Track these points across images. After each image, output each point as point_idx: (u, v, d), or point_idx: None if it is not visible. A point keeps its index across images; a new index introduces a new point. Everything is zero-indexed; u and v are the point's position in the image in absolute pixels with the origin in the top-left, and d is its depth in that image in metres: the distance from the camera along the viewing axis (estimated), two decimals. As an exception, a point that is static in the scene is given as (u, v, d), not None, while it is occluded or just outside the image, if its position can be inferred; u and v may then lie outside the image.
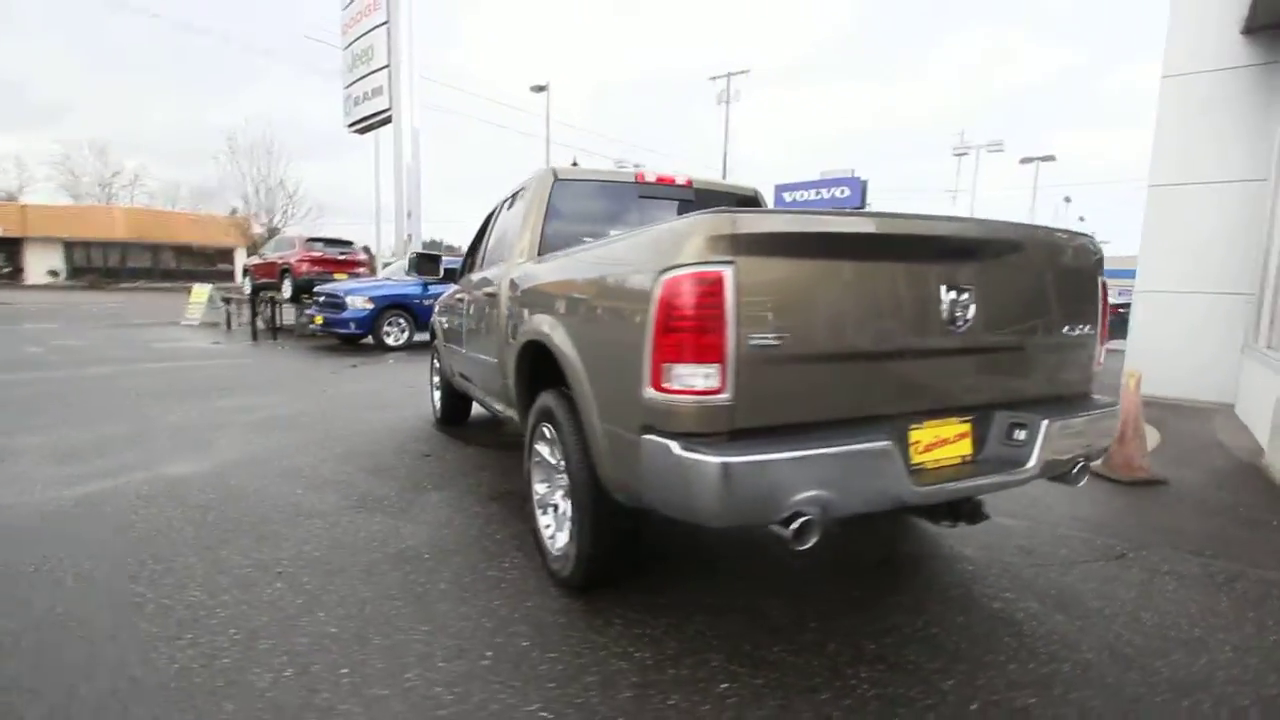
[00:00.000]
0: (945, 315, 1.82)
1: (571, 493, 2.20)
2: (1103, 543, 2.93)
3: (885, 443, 1.63)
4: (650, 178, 3.42)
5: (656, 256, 1.65)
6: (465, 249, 4.74)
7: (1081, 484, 2.07)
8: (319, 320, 11.32)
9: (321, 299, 11.39)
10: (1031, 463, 1.91)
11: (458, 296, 4.35)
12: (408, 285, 11.45)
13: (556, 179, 3.19)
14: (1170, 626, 2.18)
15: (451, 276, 4.74)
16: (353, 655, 1.96)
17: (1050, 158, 37.78)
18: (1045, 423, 1.93)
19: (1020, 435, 1.96)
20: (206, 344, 11.69)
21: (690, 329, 1.55)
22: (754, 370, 1.57)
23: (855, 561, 2.73)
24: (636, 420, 1.73)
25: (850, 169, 35.28)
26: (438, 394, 5.30)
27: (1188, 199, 6.44)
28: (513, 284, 2.98)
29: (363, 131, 18.60)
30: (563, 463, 2.28)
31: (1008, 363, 2.03)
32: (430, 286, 11.32)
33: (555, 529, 2.47)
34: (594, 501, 2.09)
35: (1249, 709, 1.75)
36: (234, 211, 35.46)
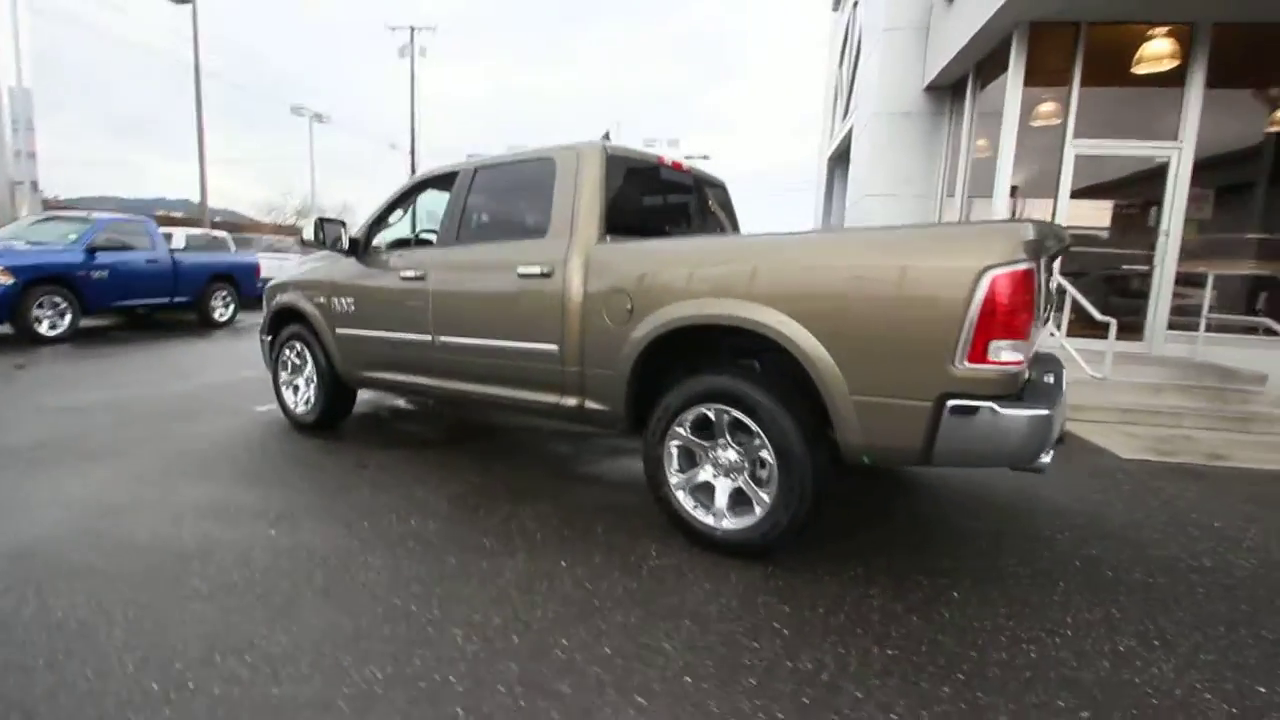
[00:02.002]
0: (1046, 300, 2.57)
1: (780, 460, 2.36)
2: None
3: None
4: (668, 161, 3.51)
5: (973, 255, 1.98)
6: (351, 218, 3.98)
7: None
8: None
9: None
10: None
11: (379, 277, 3.71)
12: (62, 251, 8.44)
13: (607, 155, 3.06)
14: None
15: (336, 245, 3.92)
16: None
17: (705, 157, 44.19)
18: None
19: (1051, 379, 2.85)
20: None
21: (1012, 312, 1.95)
22: (1030, 345, 2.06)
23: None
24: (929, 390, 2.06)
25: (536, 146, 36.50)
26: (299, 391, 4.36)
27: (878, 207, 8.83)
28: (596, 268, 2.82)
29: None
30: (760, 439, 2.41)
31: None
32: (98, 254, 8.64)
33: (720, 504, 2.57)
34: (811, 467, 2.33)
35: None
36: None
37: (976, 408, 2.01)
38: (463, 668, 1.84)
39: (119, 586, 2.23)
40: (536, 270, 3.00)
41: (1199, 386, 5.20)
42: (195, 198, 19.88)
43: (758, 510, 2.48)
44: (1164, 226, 6.18)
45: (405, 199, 3.95)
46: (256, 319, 11.78)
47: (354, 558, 2.50)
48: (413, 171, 34.27)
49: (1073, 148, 6.25)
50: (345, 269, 3.99)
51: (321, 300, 4.10)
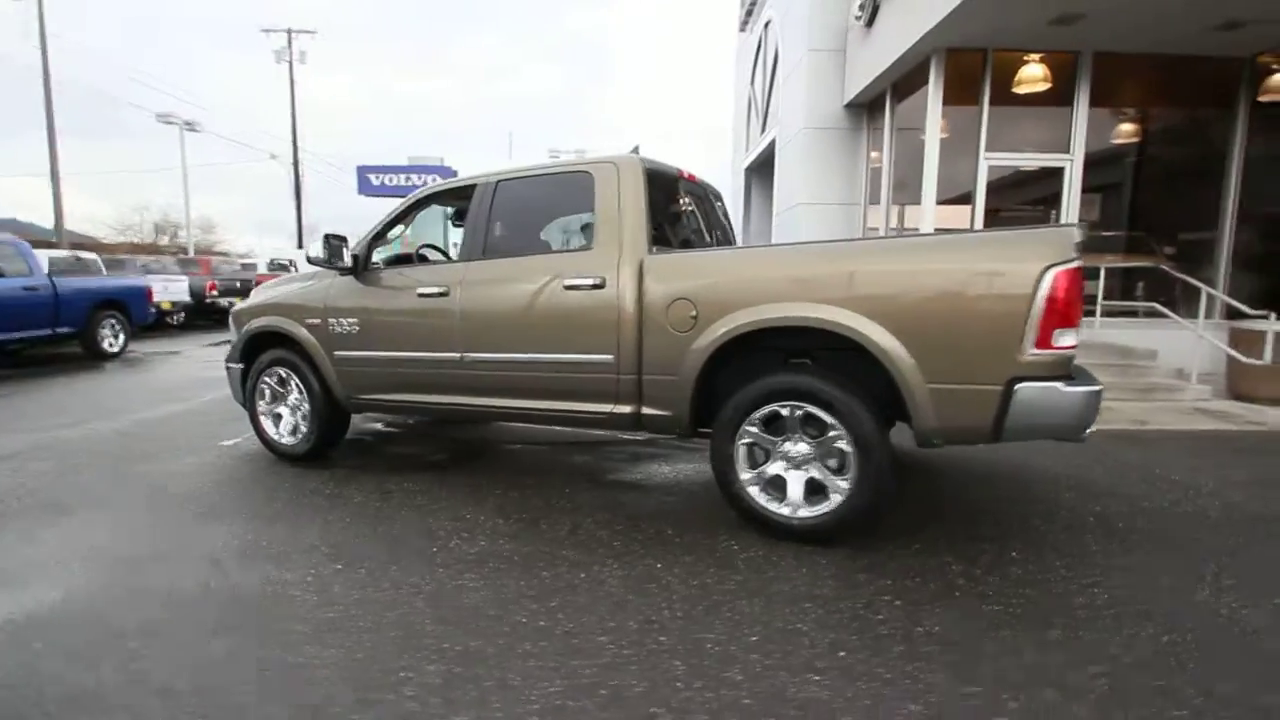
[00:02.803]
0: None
1: (859, 450, 2.56)
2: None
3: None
4: (685, 173, 3.65)
5: (1036, 255, 2.28)
6: (362, 238, 3.81)
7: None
8: None
9: None
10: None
11: (387, 295, 3.59)
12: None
13: (646, 168, 3.16)
14: (1053, 464, 3.90)
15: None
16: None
17: (583, 153, 44.50)
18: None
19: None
20: None
21: (1069, 303, 2.26)
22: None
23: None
24: (999, 375, 2.34)
25: (440, 157, 35.42)
26: (282, 420, 4.09)
27: (807, 215, 9.45)
28: (653, 277, 2.91)
29: None
30: (836, 430, 2.60)
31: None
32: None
33: (794, 495, 2.74)
34: (882, 450, 2.55)
35: (1135, 485, 3.46)
36: None
37: (1044, 388, 2.30)
38: (634, 669, 1.87)
39: (204, 641, 2.05)
40: (587, 282, 3.04)
41: (1105, 364, 6.03)
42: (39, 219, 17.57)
43: (835, 498, 2.67)
44: (1061, 228, 7.11)
45: (407, 215, 3.83)
46: (151, 349, 10.73)
47: (446, 583, 2.42)
48: (296, 182, 32.14)
49: (985, 159, 7.04)
50: (343, 288, 3.79)
51: (314, 322, 3.86)
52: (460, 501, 3.30)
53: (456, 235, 4.53)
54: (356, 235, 3.90)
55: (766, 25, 11.71)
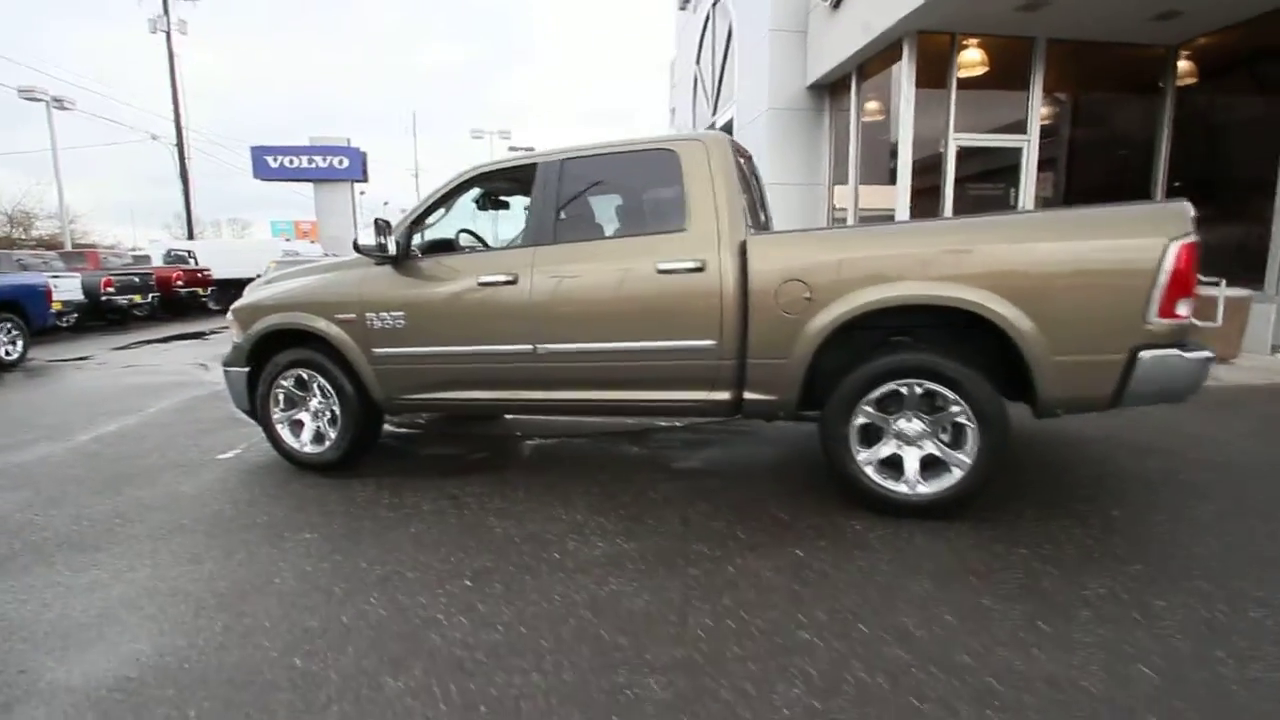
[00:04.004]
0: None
1: (982, 424, 2.62)
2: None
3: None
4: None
5: (1159, 230, 2.38)
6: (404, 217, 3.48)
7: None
8: None
9: None
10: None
11: (435, 285, 3.31)
12: None
13: (733, 146, 3.06)
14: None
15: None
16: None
17: (507, 133, 41.35)
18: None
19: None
20: None
21: (1189, 274, 2.39)
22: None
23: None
24: (1123, 344, 2.45)
25: (346, 138, 33.11)
26: (304, 427, 3.72)
27: (771, 195, 9.58)
28: (758, 258, 2.83)
29: None
30: (958, 405, 2.64)
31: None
32: None
33: (910, 472, 2.77)
34: (1002, 422, 2.63)
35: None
36: None
37: (1165, 355, 2.43)
38: (859, 663, 1.82)
39: (377, 680, 1.82)
40: (685, 265, 2.91)
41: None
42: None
43: (956, 472, 2.72)
44: (1020, 205, 7.59)
45: (450, 198, 3.52)
46: (52, 356, 9.43)
47: (596, 591, 2.27)
48: (182, 166, 29.12)
49: (954, 140, 7.38)
50: (380, 279, 3.45)
51: (348, 317, 3.50)
52: (544, 503, 3.11)
53: (479, 220, 4.27)
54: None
55: (715, 3, 11.69)
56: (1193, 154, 7.74)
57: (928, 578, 2.29)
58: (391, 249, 3.32)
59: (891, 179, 8.50)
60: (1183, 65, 7.65)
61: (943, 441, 2.76)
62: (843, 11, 7.91)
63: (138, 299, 14.19)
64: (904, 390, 2.73)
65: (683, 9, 14.14)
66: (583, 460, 3.84)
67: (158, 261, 18.05)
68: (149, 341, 11.08)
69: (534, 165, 3.31)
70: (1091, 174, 8.37)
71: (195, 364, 8.18)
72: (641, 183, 3.24)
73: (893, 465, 2.82)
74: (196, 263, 18.86)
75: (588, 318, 3.10)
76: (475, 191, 3.81)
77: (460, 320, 3.32)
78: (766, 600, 2.18)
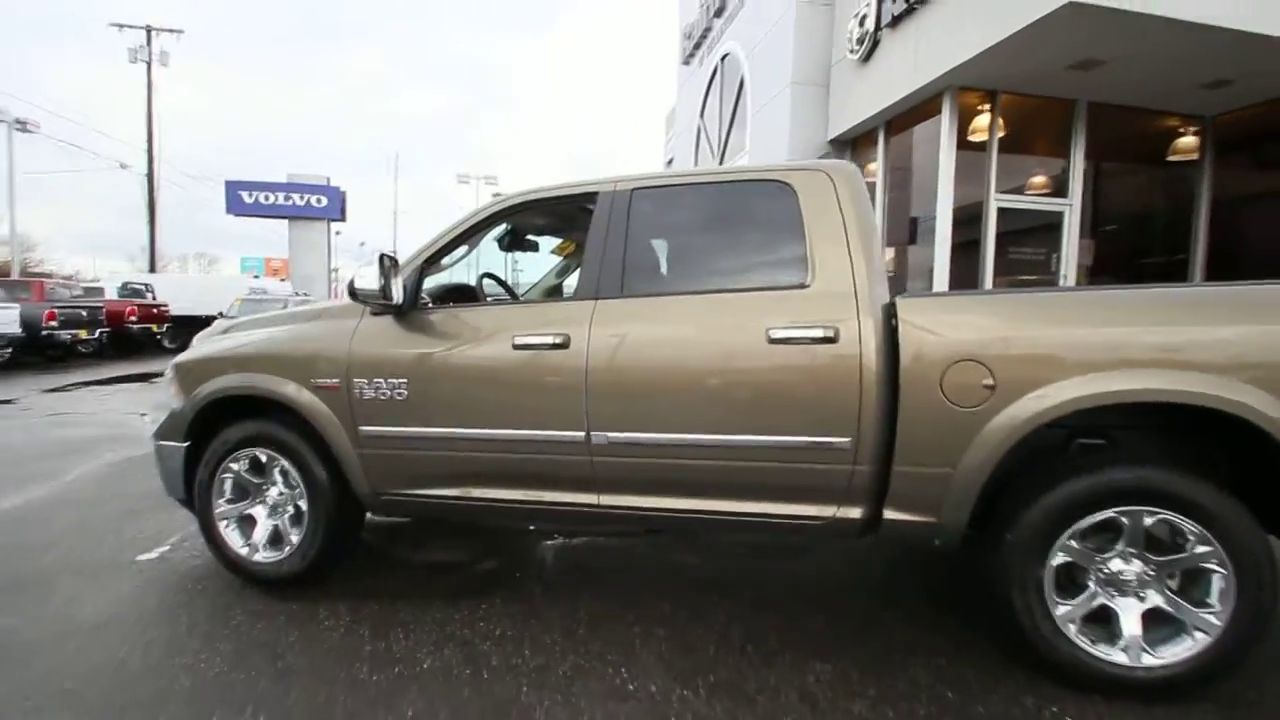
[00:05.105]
0: None
1: (1240, 572, 1.85)
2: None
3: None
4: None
5: None
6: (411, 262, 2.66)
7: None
8: None
9: None
10: None
11: (454, 344, 2.46)
12: None
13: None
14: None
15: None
16: None
17: (494, 178, 40.91)
18: None
19: None
20: None
21: None
22: None
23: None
24: None
25: (326, 176, 32.41)
26: (256, 526, 2.80)
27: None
28: (913, 328, 2.06)
29: None
30: (1210, 545, 1.87)
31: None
32: None
33: (1129, 632, 1.96)
34: (1270, 569, 1.87)
35: None
36: None
37: None
38: None
39: None
40: (809, 333, 2.12)
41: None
42: None
43: (1199, 636, 1.92)
44: (1062, 271, 7.11)
45: (473, 233, 2.71)
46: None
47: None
48: (150, 197, 27.93)
49: (994, 200, 6.91)
50: (377, 334, 2.60)
51: (328, 383, 2.61)
52: (593, 654, 2.20)
53: (489, 261, 3.46)
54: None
55: (724, 58, 11.43)
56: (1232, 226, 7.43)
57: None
58: (397, 295, 2.48)
59: (912, 239, 8.05)
60: (1218, 136, 7.41)
61: (1170, 590, 1.97)
62: (873, 65, 7.54)
63: (83, 334, 12.98)
64: (1126, 520, 1.95)
65: (685, 64, 13.94)
66: (624, 574, 2.94)
67: (111, 294, 16.80)
68: (89, 383, 9.86)
69: (593, 194, 2.54)
70: (1120, 242, 7.99)
71: (136, 413, 7.06)
72: (742, 222, 2.48)
73: (1102, 621, 2.02)
74: (154, 297, 17.64)
75: (667, 399, 2.27)
76: (503, 228, 3.02)
77: (485, 393, 2.46)
78: None
